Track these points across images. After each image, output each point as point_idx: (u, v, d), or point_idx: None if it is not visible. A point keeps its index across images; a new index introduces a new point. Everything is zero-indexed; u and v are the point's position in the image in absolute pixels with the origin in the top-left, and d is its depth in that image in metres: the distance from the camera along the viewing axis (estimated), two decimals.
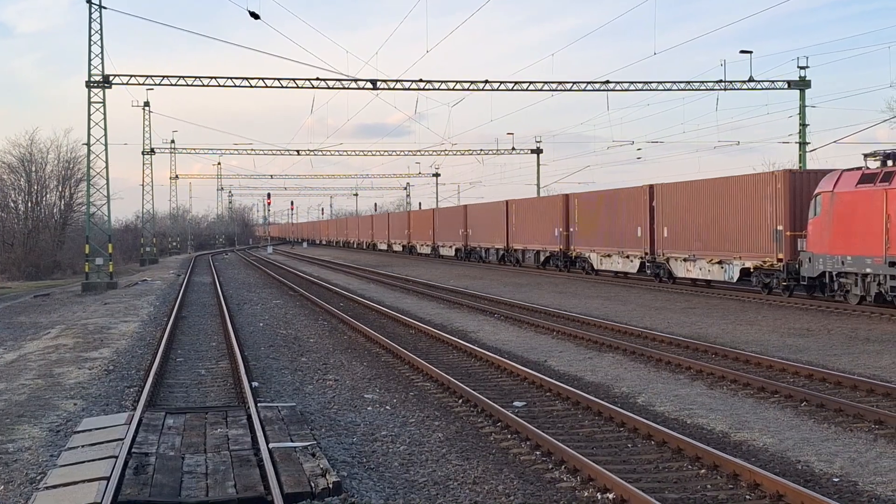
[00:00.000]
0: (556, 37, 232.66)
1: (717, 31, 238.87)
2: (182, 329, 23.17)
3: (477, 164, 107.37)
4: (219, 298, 31.29)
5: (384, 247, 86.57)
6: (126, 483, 8.60)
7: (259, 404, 12.24)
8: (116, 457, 9.32)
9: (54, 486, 8.62)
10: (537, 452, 10.06)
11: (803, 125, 48.36)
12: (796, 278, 26.48)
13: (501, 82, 46.63)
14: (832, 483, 8.82)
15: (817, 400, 12.21)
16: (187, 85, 45.77)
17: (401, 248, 79.53)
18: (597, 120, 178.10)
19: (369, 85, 45.20)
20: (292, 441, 10.26)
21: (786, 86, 47.76)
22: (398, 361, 16.99)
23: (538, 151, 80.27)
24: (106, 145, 45.17)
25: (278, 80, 44.90)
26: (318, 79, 44.88)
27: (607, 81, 46.53)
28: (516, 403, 12.74)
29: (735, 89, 46.87)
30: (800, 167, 45.68)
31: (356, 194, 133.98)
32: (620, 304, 27.47)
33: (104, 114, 44.63)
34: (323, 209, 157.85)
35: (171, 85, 45.39)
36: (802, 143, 48.44)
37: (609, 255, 39.04)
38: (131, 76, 45.14)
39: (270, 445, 9.89)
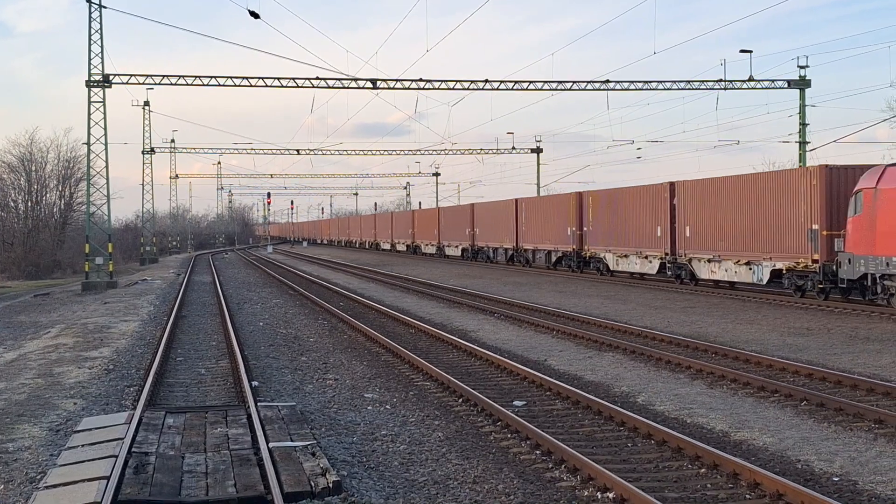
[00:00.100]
0: (556, 37, 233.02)
1: (717, 30, 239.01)
2: (182, 328, 23.18)
3: (477, 164, 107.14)
4: (219, 298, 31.30)
5: (387, 246, 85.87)
6: (126, 482, 8.60)
7: (259, 403, 12.25)
8: (116, 456, 9.33)
9: (54, 486, 8.63)
10: (537, 452, 10.06)
11: (803, 124, 48.39)
12: (833, 280, 24.95)
13: (501, 82, 46.57)
14: (832, 482, 8.82)
15: (817, 399, 12.21)
16: (187, 84, 45.79)
17: (405, 248, 78.79)
18: (597, 119, 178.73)
19: (369, 84, 45.19)
20: (292, 440, 10.27)
21: (786, 85, 47.80)
22: (398, 361, 16.99)
23: (538, 151, 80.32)
24: (106, 145, 45.18)
25: (278, 79, 44.90)
26: (317, 78, 44.88)
27: (607, 81, 46.53)
28: (516, 403, 12.74)
29: (735, 89, 46.86)
30: (800, 166, 45.68)
31: (356, 194, 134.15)
32: (620, 303, 27.47)
33: (104, 113, 44.63)
34: (323, 209, 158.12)
35: (171, 84, 45.41)
36: (802, 143, 48.48)
37: (626, 256, 37.42)
38: (131, 76, 45.14)
39: (270, 445, 9.90)
